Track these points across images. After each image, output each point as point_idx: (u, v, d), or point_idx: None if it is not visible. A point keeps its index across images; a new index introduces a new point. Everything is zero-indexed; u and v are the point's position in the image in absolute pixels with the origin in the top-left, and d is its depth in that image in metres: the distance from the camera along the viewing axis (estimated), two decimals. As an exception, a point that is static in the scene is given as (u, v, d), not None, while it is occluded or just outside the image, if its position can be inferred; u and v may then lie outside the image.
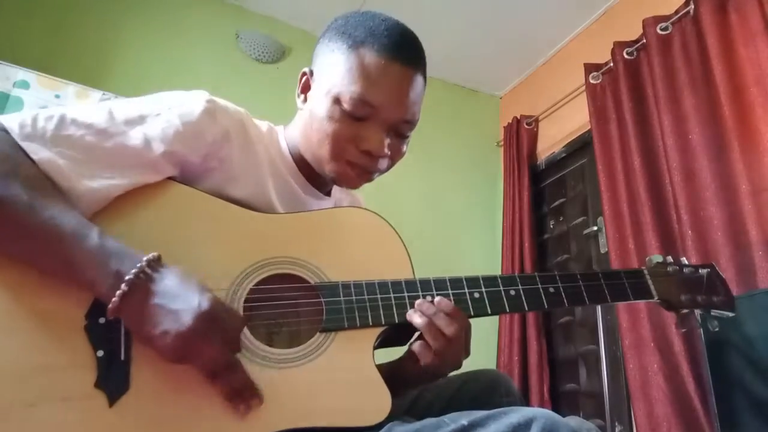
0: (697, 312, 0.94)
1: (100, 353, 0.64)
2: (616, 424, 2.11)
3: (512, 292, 0.83)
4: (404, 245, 0.83)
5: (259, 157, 0.85)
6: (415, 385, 0.86)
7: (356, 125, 0.82)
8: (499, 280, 0.83)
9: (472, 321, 0.80)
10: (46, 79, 1.86)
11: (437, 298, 0.79)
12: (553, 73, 2.90)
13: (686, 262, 0.98)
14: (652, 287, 0.92)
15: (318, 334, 0.74)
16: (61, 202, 0.65)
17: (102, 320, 0.66)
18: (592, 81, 2.42)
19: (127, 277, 0.62)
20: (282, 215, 0.84)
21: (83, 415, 0.62)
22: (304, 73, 0.89)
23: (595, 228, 2.43)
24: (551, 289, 0.85)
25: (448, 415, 0.65)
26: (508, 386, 0.89)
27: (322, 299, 0.76)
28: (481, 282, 0.82)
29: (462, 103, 3.19)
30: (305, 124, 0.87)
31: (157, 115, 0.76)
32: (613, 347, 2.20)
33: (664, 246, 1.90)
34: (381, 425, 0.68)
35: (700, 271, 0.96)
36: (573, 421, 0.65)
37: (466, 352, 0.79)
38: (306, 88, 0.89)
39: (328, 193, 0.97)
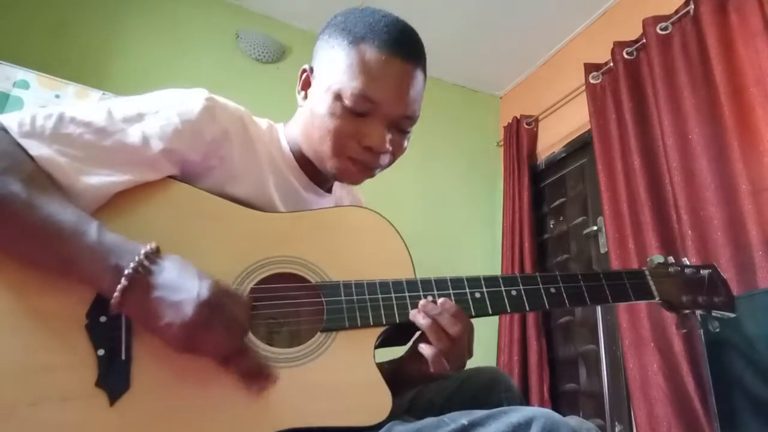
0: (698, 312, 0.94)
1: (101, 352, 0.64)
2: (616, 423, 2.11)
3: (513, 292, 0.83)
4: (405, 245, 0.83)
5: (260, 155, 0.85)
6: (416, 385, 0.86)
7: (357, 121, 0.82)
8: (501, 280, 0.83)
9: (472, 321, 0.80)
10: (46, 79, 1.85)
11: (441, 299, 0.79)
12: (553, 73, 2.90)
13: (687, 263, 0.98)
14: (653, 288, 0.92)
15: (319, 333, 0.74)
16: (60, 199, 0.65)
17: (103, 319, 0.66)
18: (592, 81, 2.42)
19: (126, 272, 0.62)
20: (283, 214, 0.84)
21: (84, 414, 0.62)
22: (305, 70, 0.89)
23: (595, 228, 2.43)
24: (552, 290, 0.85)
25: (448, 414, 0.65)
26: (507, 383, 0.89)
27: (323, 299, 0.76)
28: (482, 282, 0.82)
29: (462, 103, 3.19)
30: (306, 121, 0.87)
31: (156, 113, 0.76)
32: (613, 347, 2.20)
33: (664, 246, 1.90)
34: (381, 425, 0.68)
35: (701, 271, 0.96)
36: (573, 420, 0.64)
37: (469, 353, 0.79)
38: (306, 85, 0.89)
39: (329, 190, 0.97)
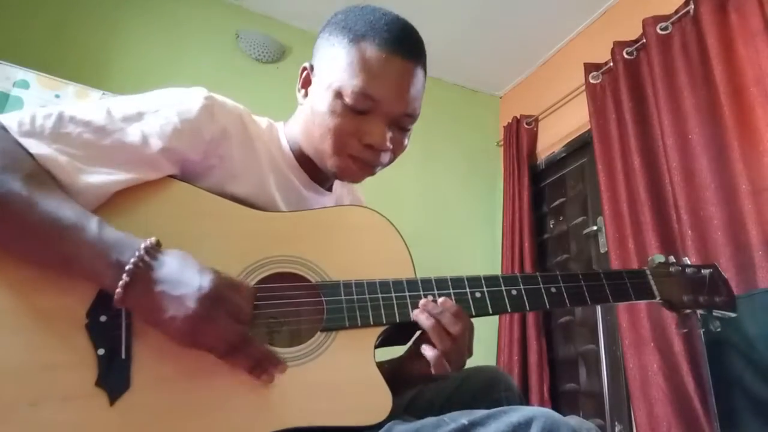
0: (699, 312, 0.94)
1: (101, 352, 0.64)
2: (616, 423, 2.11)
3: (514, 292, 0.83)
4: (406, 244, 0.83)
5: (260, 154, 0.85)
6: (416, 385, 0.86)
7: (358, 119, 0.82)
8: (501, 280, 0.83)
9: (472, 321, 0.80)
10: (46, 78, 1.85)
11: (441, 298, 0.78)
12: (553, 73, 2.90)
13: (688, 262, 0.98)
14: (654, 287, 0.92)
15: (319, 333, 0.74)
16: (60, 196, 0.65)
17: (103, 318, 0.66)
18: (592, 81, 2.42)
19: (127, 267, 0.62)
20: (283, 213, 0.83)
21: (84, 414, 0.62)
22: (305, 68, 0.89)
23: (595, 228, 2.43)
24: (553, 289, 0.85)
25: (448, 414, 0.65)
26: (507, 382, 0.89)
27: (323, 298, 0.76)
28: (483, 281, 0.82)
29: (462, 103, 3.19)
30: (306, 119, 0.87)
31: (156, 112, 0.76)
32: (613, 347, 2.20)
33: (664, 246, 1.90)
34: (381, 424, 0.68)
35: (702, 271, 0.96)
36: (573, 420, 0.64)
37: (469, 352, 0.79)
38: (306, 83, 0.89)
39: (330, 189, 0.97)
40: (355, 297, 0.77)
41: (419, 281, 0.80)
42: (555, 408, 2.34)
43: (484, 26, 2.76)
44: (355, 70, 0.80)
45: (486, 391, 0.88)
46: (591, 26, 2.69)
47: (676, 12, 2.08)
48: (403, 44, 0.83)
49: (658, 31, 2.09)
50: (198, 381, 0.67)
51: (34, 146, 0.67)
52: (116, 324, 0.66)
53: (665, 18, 2.11)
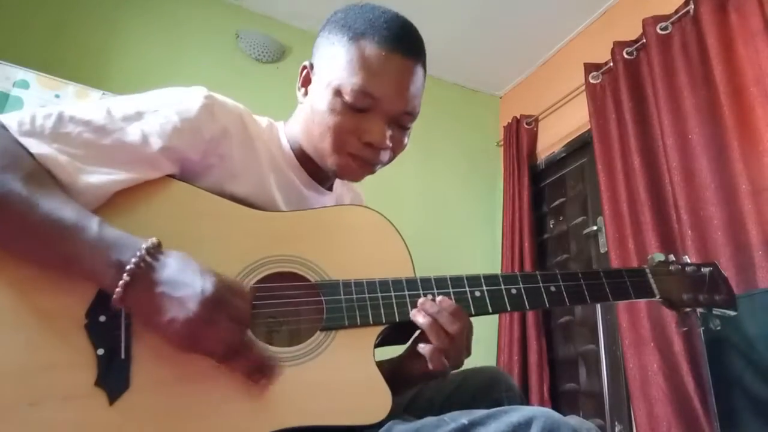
0: (698, 310, 0.94)
1: (101, 352, 0.64)
2: (616, 423, 2.11)
3: (513, 291, 0.83)
4: (405, 244, 0.83)
5: (260, 153, 0.85)
6: (415, 384, 0.86)
7: (358, 117, 0.82)
8: (501, 279, 0.83)
9: (471, 320, 0.80)
10: (46, 79, 1.85)
11: (439, 297, 0.78)
12: (553, 72, 2.90)
13: (688, 261, 0.98)
14: (653, 286, 0.92)
15: (318, 332, 0.74)
16: (60, 196, 0.65)
17: (102, 318, 0.66)
18: (591, 81, 2.42)
19: (128, 267, 0.62)
20: (283, 213, 0.83)
21: (83, 413, 0.62)
22: (305, 67, 0.89)
23: (595, 228, 2.43)
24: (552, 288, 0.85)
25: (448, 414, 0.65)
26: (508, 382, 0.89)
27: (322, 297, 0.76)
28: (482, 280, 0.82)
29: (462, 103, 3.19)
30: (306, 117, 0.87)
31: (156, 111, 0.76)
32: (613, 347, 2.20)
33: (664, 246, 1.90)
34: (381, 424, 0.68)
35: (702, 269, 0.96)
36: (573, 420, 0.64)
37: (468, 352, 0.79)
38: (306, 82, 0.89)
39: (330, 188, 0.97)
40: (354, 296, 0.76)
41: (419, 280, 0.80)
42: (555, 408, 2.34)
43: (484, 26, 2.76)
44: (354, 68, 0.80)
45: (486, 391, 0.88)
46: (591, 26, 2.69)
47: (676, 12, 2.08)
48: (403, 42, 0.82)
49: (658, 31, 2.09)
50: (198, 381, 0.66)
51: (35, 146, 0.67)
52: (115, 324, 0.66)
53: (665, 18, 2.11)
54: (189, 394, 0.66)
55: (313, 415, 0.68)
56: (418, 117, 0.88)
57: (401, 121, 0.85)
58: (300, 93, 0.90)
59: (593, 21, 2.67)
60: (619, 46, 2.29)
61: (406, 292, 0.79)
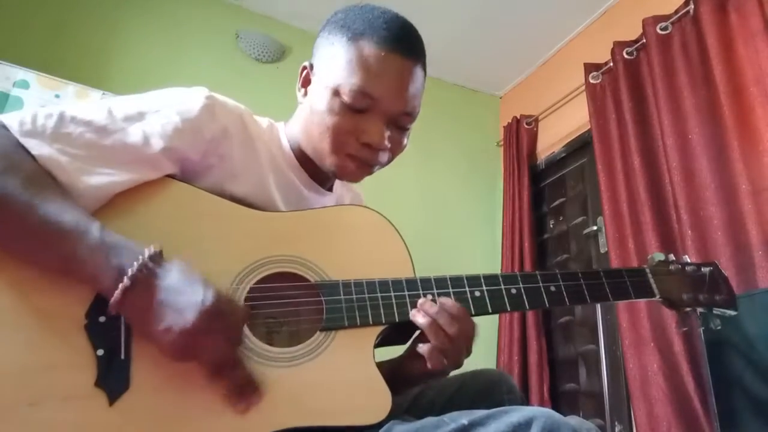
0: (699, 310, 0.94)
1: (100, 352, 0.64)
2: (616, 423, 2.11)
3: (513, 291, 0.83)
4: (405, 244, 0.83)
5: (260, 154, 0.85)
6: (415, 384, 0.86)
7: (356, 118, 0.82)
8: (501, 279, 0.83)
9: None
10: (46, 78, 1.85)
11: (441, 298, 0.78)
12: (553, 73, 2.90)
13: (688, 260, 0.98)
14: (653, 285, 0.92)
15: (318, 332, 0.74)
16: (61, 198, 0.65)
17: (102, 319, 0.65)
18: (591, 81, 2.42)
19: (129, 272, 0.62)
20: (282, 213, 0.83)
21: (83, 414, 0.62)
22: (305, 67, 0.89)
23: (595, 228, 2.43)
24: (552, 288, 0.84)
25: (448, 414, 0.65)
26: (509, 384, 0.89)
27: (322, 298, 0.76)
28: (482, 280, 0.82)
29: (462, 103, 3.19)
30: (306, 118, 0.87)
31: (156, 111, 0.76)
32: (613, 347, 2.20)
33: (664, 246, 1.90)
34: (381, 424, 0.68)
35: (702, 269, 0.96)
36: (573, 420, 0.64)
37: (468, 352, 0.79)
38: (306, 82, 0.89)
39: (330, 189, 0.97)
40: (354, 297, 0.76)
41: (418, 281, 0.80)
42: (555, 408, 2.34)
43: (484, 26, 2.76)
44: (353, 68, 0.80)
45: (487, 392, 0.87)
46: (591, 26, 2.69)
47: (676, 12, 2.08)
48: (402, 42, 0.82)
49: (658, 31, 2.09)
50: (197, 382, 0.66)
51: (36, 147, 0.67)
52: (115, 325, 0.66)
53: (665, 18, 2.11)
54: (189, 394, 0.66)
55: (313, 416, 0.68)
56: (418, 117, 0.88)
57: (400, 122, 0.85)
58: (300, 93, 0.90)
59: (593, 21, 2.67)
60: (619, 46, 2.29)
61: (406, 293, 0.79)
